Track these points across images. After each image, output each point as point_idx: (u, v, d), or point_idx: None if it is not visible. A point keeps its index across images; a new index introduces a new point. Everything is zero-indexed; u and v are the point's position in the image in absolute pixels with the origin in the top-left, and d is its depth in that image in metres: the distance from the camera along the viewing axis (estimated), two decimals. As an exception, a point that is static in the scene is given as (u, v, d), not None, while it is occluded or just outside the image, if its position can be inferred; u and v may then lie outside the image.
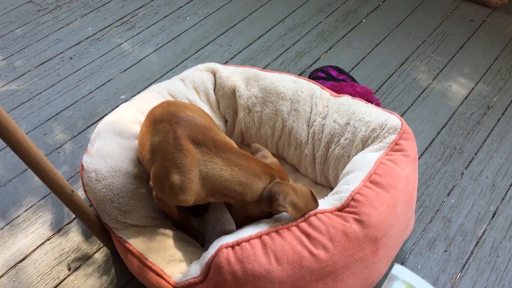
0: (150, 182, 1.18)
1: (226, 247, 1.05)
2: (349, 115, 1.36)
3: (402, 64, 2.00)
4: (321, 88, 1.46)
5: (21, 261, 1.39)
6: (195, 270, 1.09)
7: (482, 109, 1.80)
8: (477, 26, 2.18)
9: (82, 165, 1.29)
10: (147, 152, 1.17)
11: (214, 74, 1.52)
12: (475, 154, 1.64)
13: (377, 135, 1.30)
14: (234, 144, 1.18)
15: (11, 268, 1.37)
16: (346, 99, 1.41)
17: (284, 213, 1.14)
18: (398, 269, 0.65)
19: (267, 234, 1.07)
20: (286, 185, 1.08)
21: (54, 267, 1.37)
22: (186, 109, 1.21)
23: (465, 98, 1.84)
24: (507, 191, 1.52)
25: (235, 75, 1.50)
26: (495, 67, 1.97)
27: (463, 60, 2.00)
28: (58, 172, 1.07)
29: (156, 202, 1.24)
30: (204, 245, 1.35)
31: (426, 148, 1.66)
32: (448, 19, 2.22)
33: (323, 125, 1.40)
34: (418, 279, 0.65)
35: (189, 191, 1.09)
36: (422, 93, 1.87)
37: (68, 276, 1.35)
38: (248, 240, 1.06)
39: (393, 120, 1.30)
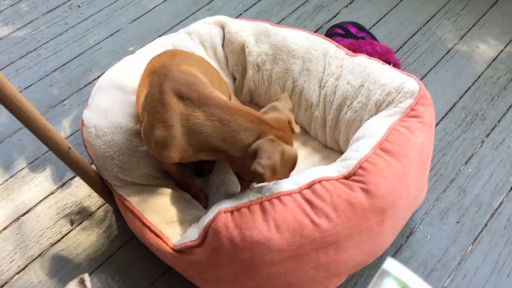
0: None
1: (224, 212, 1.01)
2: (364, 76, 1.28)
3: (427, 22, 1.87)
4: (336, 46, 1.37)
5: (24, 214, 1.38)
6: (193, 233, 1.06)
7: (510, 73, 1.68)
8: (513, -18, 2.01)
9: (82, 120, 1.25)
10: (140, 106, 1.13)
11: (223, 28, 1.44)
12: (498, 121, 1.54)
13: (393, 99, 1.21)
14: (224, 97, 1.07)
15: (14, 221, 1.37)
16: (362, 58, 1.32)
17: (287, 179, 1.09)
18: (390, 263, 0.60)
19: (268, 200, 1.02)
20: (277, 145, 0.98)
21: (56, 221, 1.37)
22: (187, 62, 1.14)
23: (493, 61, 1.72)
24: (529, 162, 1.44)
25: (245, 30, 1.42)
26: (528, 28, 1.83)
27: (493, 19, 1.86)
28: (53, 128, 1.03)
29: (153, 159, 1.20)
30: (207, 206, 1.32)
31: (446, 113, 1.57)
32: (481, -27, 2.05)
33: (336, 86, 1.32)
34: (411, 275, 0.59)
35: (172, 147, 1.04)
36: (446, 54, 1.75)
37: (71, 231, 1.35)
38: (248, 205, 1.02)
39: (411, 83, 1.21)
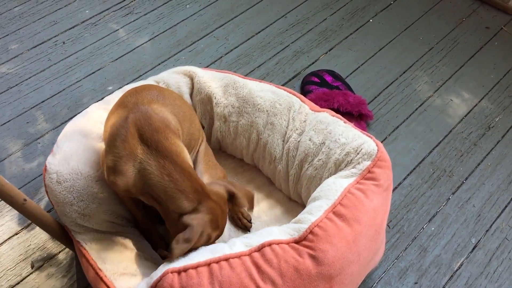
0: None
1: (172, 272, 1.02)
2: (326, 134, 1.29)
3: (404, 73, 1.89)
4: (301, 101, 1.39)
5: (-14, 254, 1.39)
6: (142, 289, 1.06)
7: (482, 129, 1.69)
8: (493, 35, 2.04)
9: (46, 166, 1.27)
10: (106, 132, 1.18)
11: (192, 78, 1.46)
12: (466, 179, 1.55)
13: (351, 160, 1.23)
14: (182, 154, 1.11)
15: (-24, 261, 1.38)
16: (325, 115, 1.33)
17: (239, 239, 1.11)
18: None
19: (217, 262, 1.03)
20: (203, 225, 1.06)
21: (18, 263, 1.37)
22: (160, 101, 1.19)
23: (465, 116, 1.74)
24: (493, 223, 1.44)
25: (213, 81, 1.44)
26: (504, 83, 1.85)
27: (470, 73, 1.89)
28: (7, 182, 1.04)
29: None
30: (165, 256, 1.32)
31: (414, 168, 1.58)
32: (462, 25, 2.08)
33: (299, 142, 1.33)
34: None
35: (119, 178, 1.08)
36: (420, 106, 1.77)
37: (30, 274, 1.35)
38: (196, 267, 1.02)
39: (369, 144, 1.23)
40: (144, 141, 1.09)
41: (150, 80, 1.45)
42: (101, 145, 1.30)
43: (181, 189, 1.06)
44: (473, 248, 1.39)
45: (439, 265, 1.35)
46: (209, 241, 1.10)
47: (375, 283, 1.32)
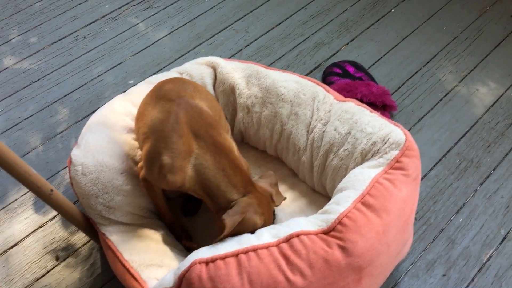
0: (140, 163, 1.21)
1: (199, 263, 1.00)
2: (351, 124, 1.27)
3: (427, 63, 1.86)
4: (326, 90, 1.37)
5: (12, 246, 1.40)
6: (169, 280, 1.05)
7: (509, 118, 1.65)
8: (518, 23, 1.99)
9: (71, 158, 1.27)
10: (144, 125, 1.16)
11: (215, 69, 1.45)
12: (493, 169, 1.51)
13: (378, 150, 1.20)
14: (234, 149, 1.16)
15: (2, 253, 1.39)
16: (350, 105, 1.31)
17: (266, 229, 1.09)
18: None
19: (245, 253, 1.01)
20: (248, 208, 1.08)
21: (43, 256, 1.38)
22: (197, 95, 1.20)
23: (492, 105, 1.70)
24: (523, 214, 1.41)
25: (236, 72, 1.43)
26: (531, 71, 1.81)
27: (496, 62, 1.84)
28: (34, 172, 1.04)
29: (143, 186, 1.22)
30: (190, 248, 1.32)
31: (440, 159, 1.54)
32: (486, 13, 2.03)
33: (323, 132, 1.31)
34: None
35: (178, 174, 1.09)
36: (445, 96, 1.73)
37: (55, 266, 1.36)
38: (223, 257, 1.01)
39: (397, 134, 1.20)
40: (199, 137, 1.11)
41: (173, 72, 1.45)
42: (126, 138, 1.30)
43: (233, 184, 1.10)
44: (503, 240, 1.35)
45: (467, 257, 1.32)
46: (255, 227, 1.10)
47: (402, 276, 1.29)
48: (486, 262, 1.31)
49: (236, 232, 1.08)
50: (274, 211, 1.38)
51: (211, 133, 1.12)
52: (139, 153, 1.30)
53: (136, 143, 1.31)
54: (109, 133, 1.30)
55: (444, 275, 1.29)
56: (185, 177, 1.10)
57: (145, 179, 1.17)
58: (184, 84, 1.21)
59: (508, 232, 1.37)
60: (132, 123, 1.33)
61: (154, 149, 1.11)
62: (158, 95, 1.18)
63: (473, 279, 1.28)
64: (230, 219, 1.06)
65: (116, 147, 1.28)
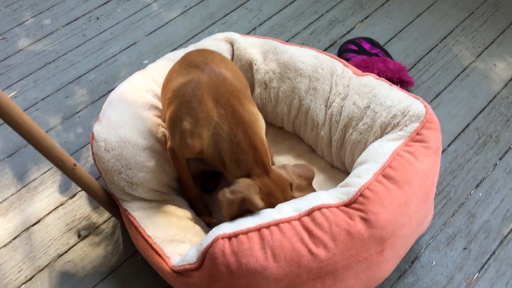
0: (168, 134, 1.21)
1: (222, 238, 1.00)
2: (370, 97, 1.26)
3: (444, 39, 1.83)
4: (344, 65, 1.36)
5: (34, 224, 1.42)
6: (192, 256, 1.06)
7: (528, 93, 1.63)
8: (536, -3, 1.96)
9: (93, 134, 1.27)
10: (170, 90, 1.17)
11: (232, 45, 1.44)
12: (513, 144, 1.50)
13: (398, 122, 1.20)
14: (255, 124, 1.11)
15: (24, 231, 1.41)
16: (369, 79, 1.30)
17: (287, 203, 1.09)
18: None
19: (267, 227, 1.01)
20: (249, 186, 1.05)
21: (65, 232, 1.40)
22: (224, 64, 1.19)
23: (510, 80, 1.68)
24: (543, 188, 1.40)
25: (253, 47, 1.42)
26: (549, 46, 1.78)
27: (513, 37, 1.82)
28: (57, 146, 1.05)
29: (169, 156, 1.24)
30: (210, 223, 1.32)
31: (459, 134, 1.53)
32: (503, -12, 2.00)
33: (342, 106, 1.31)
34: None
35: (197, 140, 1.09)
36: (462, 72, 1.72)
37: (78, 243, 1.37)
38: (246, 232, 1.01)
39: (417, 106, 1.19)
40: (220, 105, 1.09)
41: (191, 47, 1.44)
42: (148, 114, 1.30)
43: (242, 160, 1.07)
44: (523, 214, 1.35)
45: (488, 230, 1.32)
46: (255, 209, 1.08)
47: (423, 249, 1.29)
48: (507, 235, 1.31)
49: (236, 213, 1.07)
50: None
51: (232, 102, 1.09)
52: (160, 130, 1.30)
53: (158, 120, 1.31)
54: (131, 109, 1.30)
55: (465, 248, 1.29)
56: (203, 144, 1.10)
57: (171, 148, 1.19)
58: (212, 53, 1.22)
59: (528, 205, 1.36)
60: (153, 100, 1.34)
61: (176, 114, 1.12)
62: (185, 62, 1.20)
63: (494, 252, 1.28)
64: (223, 198, 1.05)
65: (138, 123, 1.28)
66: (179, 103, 1.11)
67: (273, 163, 1.38)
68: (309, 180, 1.17)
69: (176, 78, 1.17)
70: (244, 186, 1.06)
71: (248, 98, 1.14)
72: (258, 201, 1.07)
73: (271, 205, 1.09)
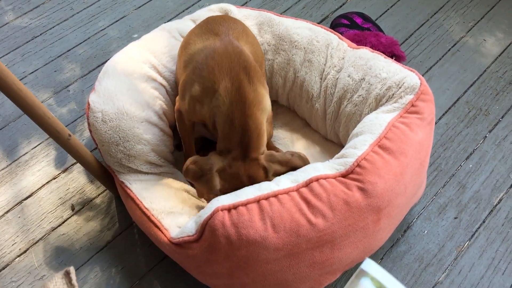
0: (177, 96, 1.22)
1: (222, 210, 1.00)
2: (365, 70, 1.27)
3: (434, 14, 1.84)
4: (339, 38, 1.36)
5: (26, 198, 1.41)
6: (191, 227, 1.06)
7: (517, 68, 1.66)
8: (525, -27, 1.97)
9: (89, 104, 1.25)
10: (187, 53, 1.18)
11: (227, 17, 1.43)
12: (502, 117, 1.53)
13: (393, 94, 1.21)
14: (256, 105, 1.07)
15: (17, 204, 1.40)
16: (364, 51, 1.31)
17: (285, 176, 1.09)
18: (368, 264, 0.60)
19: (266, 198, 1.02)
20: (216, 163, 1.07)
21: (58, 206, 1.39)
22: (244, 37, 1.19)
23: (499, 55, 1.70)
24: (531, 159, 1.43)
25: (248, 19, 1.41)
26: (538, 21, 1.80)
27: (502, 13, 1.83)
28: (53, 115, 1.04)
29: (176, 118, 1.24)
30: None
31: (450, 108, 1.56)
32: (492, -36, 2.01)
33: (337, 79, 1.31)
34: (388, 276, 0.60)
35: (202, 106, 1.10)
36: (452, 47, 1.73)
37: (71, 216, 1.37)
38: (245, 204, 1.01)
39: (412, 78, 1.20)
40: (229, 77, 1.07)
41: (186, 19, 1.43)
42: (145, 86, 1.29)
43: (230, 138, 1.06)
44: (512, 184, 1.39)
45: (478, 200, 1.35)
46: (212, 189, 1.09)
47: (415, 219, 1.32)
48: (496, 204, 1.34)
49: (192, 182, 1.11)
50: None
51: (241, 77, 1.07)
52: (158, 103, 1.29)
53: (155, 93, 1.30)
54: (128, 81, 1.28)
55: (455, 218, 1.32)
56: (207, 112, 1.10)
57: (179, 110, 1.19)
58: (235, 23, 1.21)
59: (517, 176, 1.40)
60: (150, 71, 1.32)
61: (188, 79, 1.14)
62: (207, 27, 1.19)
63: (484, 221, 1.31)
64: (186, 163, 1.08)
65: (136, 95, 1.27)
66: (192, 69, 1.12)
67: (273, 148, 1.38)
68: (295, 168, 1.14)
69: (195, 42, 1.18)
70: (212, 163, 1.07)
71: (260, 77, 1.11)
72: (218, 183, 1.09)
73: (234, 187, 1.09)
